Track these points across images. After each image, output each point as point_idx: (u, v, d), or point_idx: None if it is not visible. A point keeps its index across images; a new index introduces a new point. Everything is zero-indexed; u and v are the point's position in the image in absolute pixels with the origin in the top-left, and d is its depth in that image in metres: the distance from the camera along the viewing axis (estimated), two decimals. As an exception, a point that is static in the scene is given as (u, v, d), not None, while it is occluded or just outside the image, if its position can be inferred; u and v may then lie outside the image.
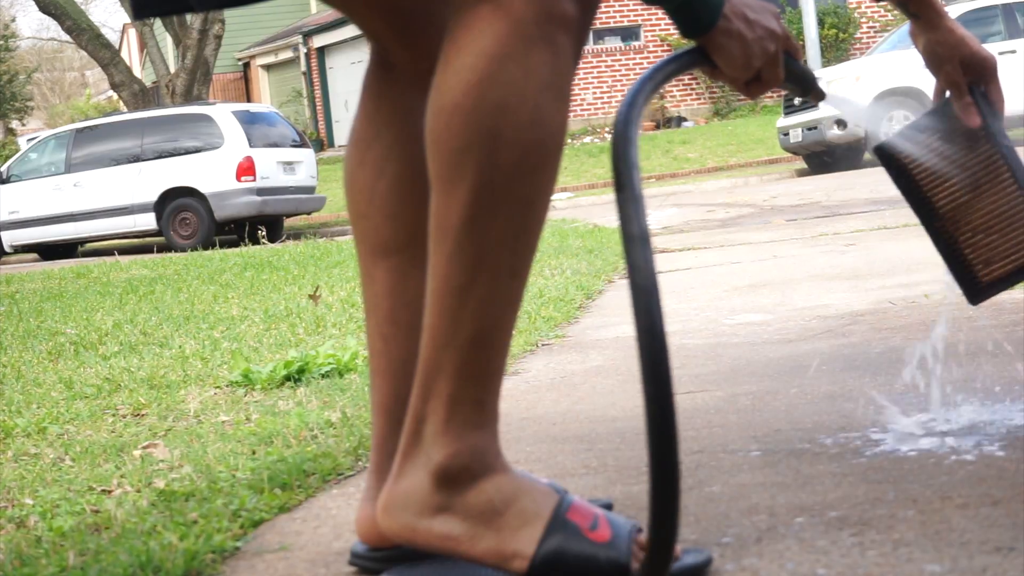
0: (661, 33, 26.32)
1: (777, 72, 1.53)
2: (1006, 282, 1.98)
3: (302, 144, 17.56)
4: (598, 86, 26.26)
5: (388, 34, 1.53)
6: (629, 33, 26.64)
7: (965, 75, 1.90)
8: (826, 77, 15.88)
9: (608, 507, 1.66)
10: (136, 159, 16.83)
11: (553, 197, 1.45)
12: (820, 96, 1.68)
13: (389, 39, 1.53)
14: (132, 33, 41.06)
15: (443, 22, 1.39)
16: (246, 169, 16.30)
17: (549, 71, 1.33)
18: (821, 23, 24.44)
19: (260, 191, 16.37)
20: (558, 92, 1.35)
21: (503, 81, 1.31)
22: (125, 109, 21.68)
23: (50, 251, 17.77)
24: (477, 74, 1.31)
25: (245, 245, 13.51)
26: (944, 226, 2.00)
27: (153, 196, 16.56)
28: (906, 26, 2.32)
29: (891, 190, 2.10)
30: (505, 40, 1.31)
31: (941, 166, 1.95)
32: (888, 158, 2.01)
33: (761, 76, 1.52)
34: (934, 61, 1.91)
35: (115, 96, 27.06)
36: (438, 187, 1.35)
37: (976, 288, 1.99)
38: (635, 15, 26.05)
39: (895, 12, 16.22)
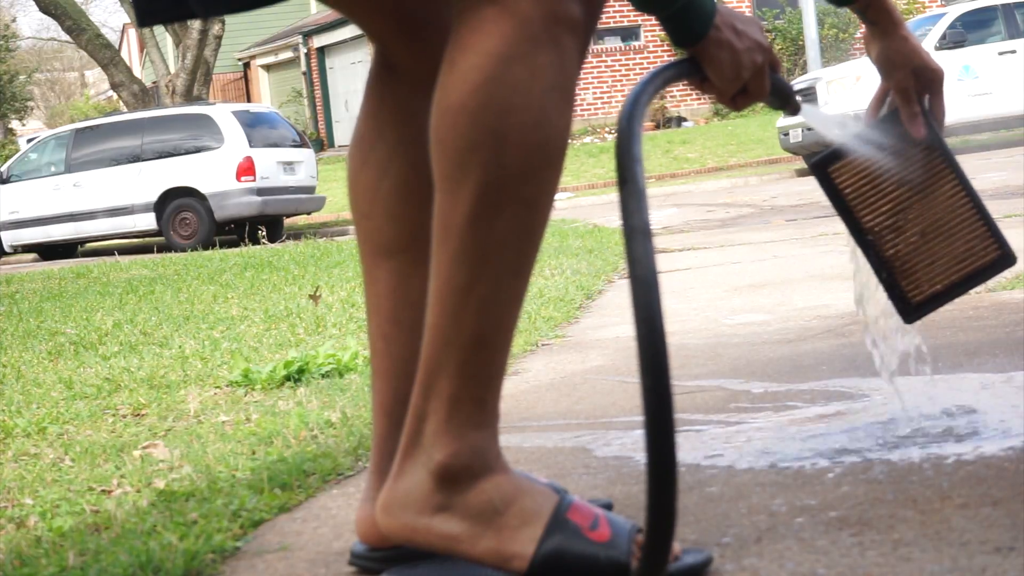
0: (661, 33, 26.29)
1: (764, 84, 1.53)
2: (941, 299, 1.96)
3: (302, 144, 17.55)
4: (598, 86, 26.26)
5: (391, 36, 1.53)
6: (629, 33, 26.64)
7: (914, 84, 1.93)
8: (826, 77, 15.87)
9: (608, 507, 1.66)
10: (136, 159, 16.81)
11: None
12: (796, 109, 1.69)
13: (392, 41, 1.54)
14: (132, 33, 41.06)
15: (446, 24, 1.40)
16: (246, 169, 16.28)
17: (555, 72, 1.34)
18: (821, 23, 24.41)
19: (260, 191, 16.36)
20: (563, 93, 1.35)
21: (509, 82, 1.32)
22: (125, 109, 21.66)
23: (50, 251, 17.75)
24: (483, 74, 1.32)
25: (245, 245, 13.51)
26: (880, 243, 1.99)
27: (153, 196, 16.54)
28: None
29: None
30: (511, 41, 1.31)
31: (881, 178, 1.95)
32: (824, 175, 1.98)
33: (748, 88, 1.53)
34: (887, 68, 1.93)
35: (115, 96, 27.03)
36: (443, 186, 1.35)
37: (911, 307, 1.97)
38: (635, 15, 26.00)
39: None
